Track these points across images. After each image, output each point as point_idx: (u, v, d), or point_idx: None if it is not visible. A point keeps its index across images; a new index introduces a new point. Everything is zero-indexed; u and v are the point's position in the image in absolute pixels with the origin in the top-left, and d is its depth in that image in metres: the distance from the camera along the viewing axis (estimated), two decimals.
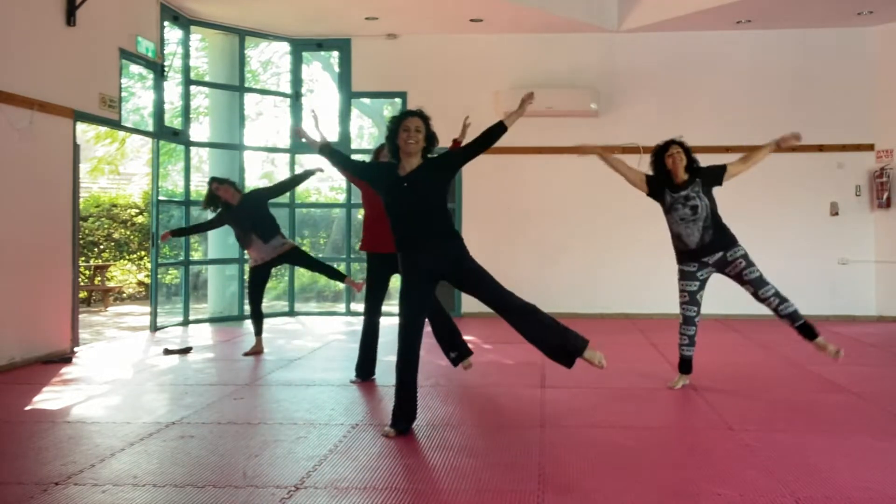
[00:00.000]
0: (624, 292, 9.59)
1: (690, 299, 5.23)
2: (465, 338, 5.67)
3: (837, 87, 9.41)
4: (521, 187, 9.73)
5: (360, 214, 13.38)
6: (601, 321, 9.14)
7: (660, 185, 5.29)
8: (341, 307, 10.40)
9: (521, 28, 9.49)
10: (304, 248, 6.96)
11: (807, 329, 5.06)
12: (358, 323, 9.31)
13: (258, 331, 6.94)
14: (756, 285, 5.07)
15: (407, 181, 4.23)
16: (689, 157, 5.29)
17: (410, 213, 4.22)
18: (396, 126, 4.27)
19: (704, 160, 5.36)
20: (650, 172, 5.39)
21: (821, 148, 9.40)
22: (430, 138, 4.32)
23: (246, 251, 6.92)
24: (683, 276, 5.25)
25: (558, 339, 4.12)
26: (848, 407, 4.93)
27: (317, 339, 7.62)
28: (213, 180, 6.87)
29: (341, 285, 9.33)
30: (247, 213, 6.76)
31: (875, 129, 9.37)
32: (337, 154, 4.63)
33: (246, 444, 4.08)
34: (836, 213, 9.42)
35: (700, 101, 9.50)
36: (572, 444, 4.08)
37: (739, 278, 5.13)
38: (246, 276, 10.27)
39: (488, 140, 4.35)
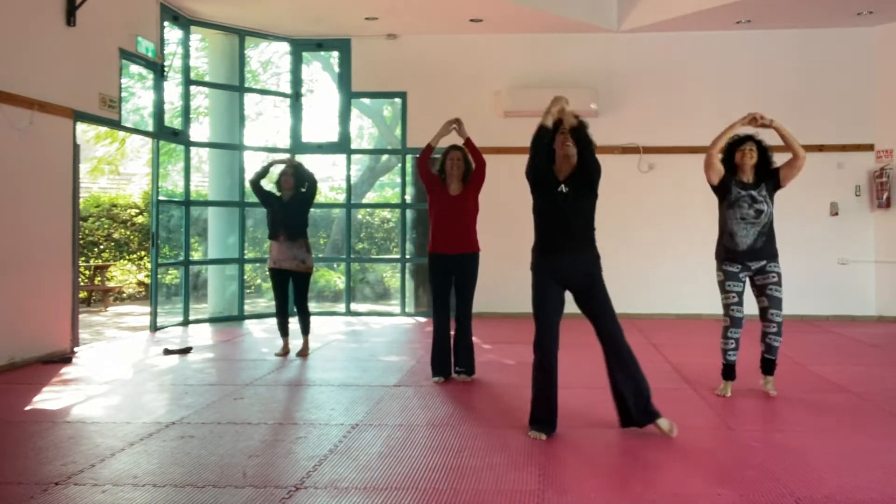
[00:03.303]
0: (624, 292, 9.51)
1: (738, 299, 5.15)
2: None
3: (837, 87, 9.40)
4: (520, 187, 9.68)
5: (361, 213, 13.42)
6: None
7: (728, 177, 5.17)
8: (341, 307, 10.40)
9: (521, 28, 9.48)
10: (309, 282, 6.99)
11: (771, 366, 5.24)
12: (358, 323, 9.40)
13: (283, 332, 6.94)
14: (773, 304, 5.11)
15: (565, 187, 4.33)
16: (764, 157, 5.16)
17: (562, 221, 4.36)
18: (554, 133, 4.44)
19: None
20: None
21: (821, 148, 9.38)
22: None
23: (270, 241, 6.88)
24: (728, 277, 5.15)
25: (642, 399, 4.23)
26: (848, 407, 4.93)
27: (317, 338, 7.62)
28: (289, 167, 6.79)
29: (340, 286, 9.32)
30: (288, 210, 6.72)
31: (875, 129, 9.36)
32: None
33: (246, 444, 4.08)
34: (836, 213, 9.41)
35: (700, 101, 9.49)
36: (572, 444, 4.09)
37: (763, 289, 5.13)
38: (245, 277, 10.30)
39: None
